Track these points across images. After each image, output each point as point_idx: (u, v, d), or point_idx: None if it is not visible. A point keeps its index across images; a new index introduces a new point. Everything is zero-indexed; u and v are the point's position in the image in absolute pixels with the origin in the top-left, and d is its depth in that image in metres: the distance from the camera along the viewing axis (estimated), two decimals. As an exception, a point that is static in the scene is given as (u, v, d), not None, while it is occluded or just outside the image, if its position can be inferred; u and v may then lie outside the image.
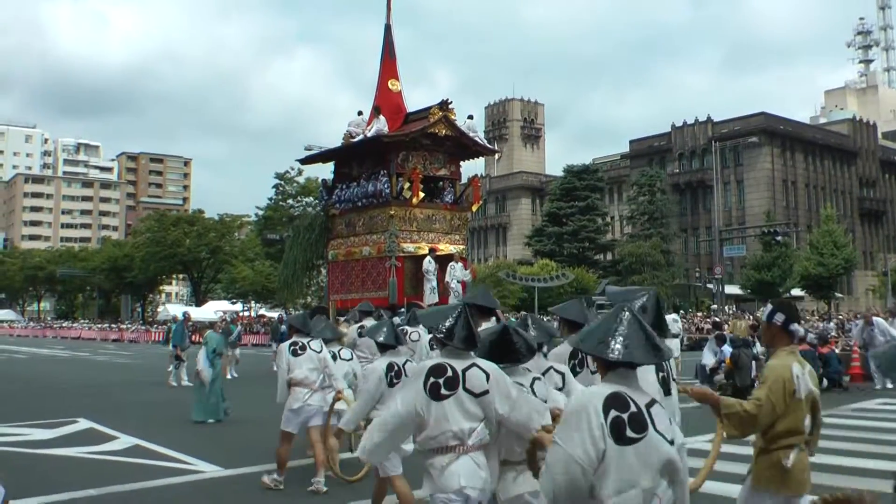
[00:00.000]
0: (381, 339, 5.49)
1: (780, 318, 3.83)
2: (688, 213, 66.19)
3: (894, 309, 25.18)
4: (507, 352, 3.77)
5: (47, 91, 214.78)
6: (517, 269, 51.04)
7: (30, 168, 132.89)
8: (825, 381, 15.29)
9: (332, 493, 7.10)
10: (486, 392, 3.54)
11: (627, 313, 2.64)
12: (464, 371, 3.57)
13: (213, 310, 54.22)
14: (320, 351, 7.34)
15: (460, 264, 21.60)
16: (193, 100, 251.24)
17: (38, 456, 9.27)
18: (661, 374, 3.55)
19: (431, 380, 3.57)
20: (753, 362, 14.46)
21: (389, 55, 24.04)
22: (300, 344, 7.34)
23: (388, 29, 24.43)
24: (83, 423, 11.86)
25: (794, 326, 3.84)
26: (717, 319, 25.95)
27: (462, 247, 22.65)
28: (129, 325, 60.44)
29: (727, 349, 15.12)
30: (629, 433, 2.46)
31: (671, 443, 2.54)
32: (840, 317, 33.04)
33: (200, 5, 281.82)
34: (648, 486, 2.48)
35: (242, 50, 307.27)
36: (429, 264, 20.46)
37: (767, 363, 3.94)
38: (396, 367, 5.18)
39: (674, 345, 18.91)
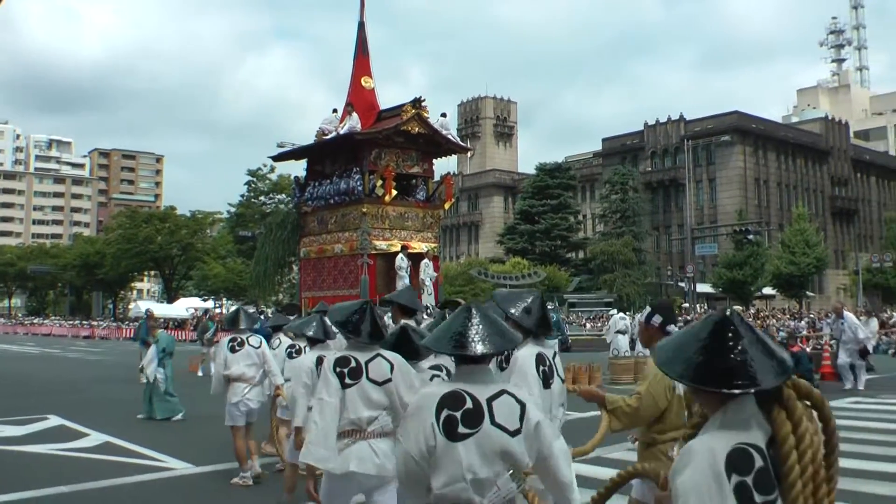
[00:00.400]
0: (310, 333, 5.65)
1: (657, 319, 4.05)
2: (660, 211, 66.57)
3: (870, 309, 25.87)
4: (407, 349, 4.05)
5: (19, 86, 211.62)
6: (489, 268, 51.31)
7: (1, 164, 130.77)
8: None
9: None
10: (389, 381, 3.80)
11: (474, 311, 2.77)
12: (367, 362, 3.82)
13: (184, 307, 53.91)
14: (258, 346, 7.37)
15: (432, 263, 21.90)
16: (167, 96, 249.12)
17: (7, 453, 9.18)
18: (542, 368, 3.63)
19: (337, 370, 3.81)
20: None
21: (363, 52, 24.10)
22: (238, 340, 7.37)
23: (361, 26, 24.47)
24: (54, 420, 11.79)
25: (671, 327, 4.01)
26: (689, 319, 26.44)
27: (434, 245, 22.82)
28: (100, 322, 59.91)
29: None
30: (461, 429, 2.59)
31: (513, 434, 2.61)
32: (811, 315, 33.67)
33: (175, 0, 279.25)
34: (485, 476, 2.59)
35: (217, 46, 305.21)
36: (401, 261, 20.64)
37: (648, 362, 4.23)
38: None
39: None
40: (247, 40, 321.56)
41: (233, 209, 61.49)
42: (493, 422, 2.60)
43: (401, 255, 20.83)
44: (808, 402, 1.76)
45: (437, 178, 24.45)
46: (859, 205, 73.46)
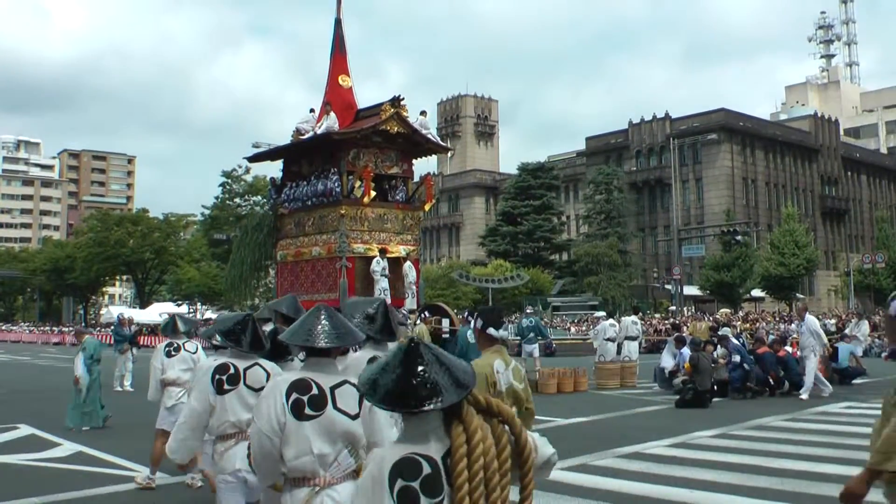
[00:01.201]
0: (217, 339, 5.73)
1: (479, 323, 4.46)
2: (645, 212, 65.92)
3: (861, 312, 25.36)
4: (280, 351, 4.61)
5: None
6: (470, 270, 50.67)
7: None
8: (786, 384, 15.06)
9: None
10: (264, 388, 3.95)
11: (322, 312, 3.20)
12: (245, 369, 4.19)
13: (157, 312, 52.96)
14: (195, 352, 7.71)
15: (414, 266, 21.20)
16: (138, 95, 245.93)
17: (-24, 464, 8.97)
18: None
19: (217, 377, 4.16)
20: (713, 365, 14.22)
21: (340, 50, 23.54)
22: (175, 345, 7.69)
23: (338, 23, 23.91)
24: (24, 430, 11.62)
25: (491, 330, 4.42)
26: (676, 321, 25.85)
27: (415, 247, 22.24)
28: (71, 328, 58.62)
29: (686, 352, 14.87)
30: (308, 411, 3.02)
31: (353, 417, 3.05)
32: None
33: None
34: (328, 452, 3.04)
35: (190, 44, 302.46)
36: (376, 265, 20.07)
37: (473, 362, 4.55)
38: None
39: (633, 347, 18.66)
40: (220, 37, 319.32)
41: (207, 211, 60.56)
42: (335, 407, 3.06)
43: (377, 258, 20.15)
44: (500, 418, 2.04)
45: (416, 178, 23.82)
46: (850, 204, 73.04)
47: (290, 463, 3.02)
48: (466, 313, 22.91)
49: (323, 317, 3.16)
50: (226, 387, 4.16)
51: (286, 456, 3.02)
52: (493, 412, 2.04)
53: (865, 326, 22.59)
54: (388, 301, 19.90)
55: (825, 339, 14.61)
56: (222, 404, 4.12)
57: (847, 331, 21.51)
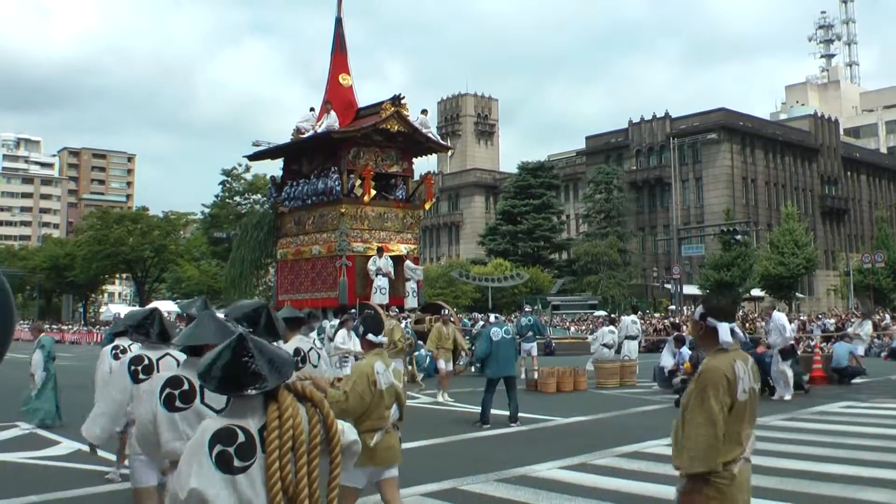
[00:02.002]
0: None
1: (360, 330, 4.89)
2: (645, 211, 65.72)
3: (867, 312, 25.31)
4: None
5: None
6: (470, 269, 50.66)
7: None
8: (785, 384, 15.01)
9: None
10: None
11: (207, 315, 3.66)
12: (158, 360, 4.57)
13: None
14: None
15: (414, 264, 21.19)
16: (139, 93, 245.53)
17: (-24, 462, 8.91)
18: None
19: (132, 367, 4.54)
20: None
21: (340, 49, 23.60)
22: (121, 348, 7.63)
23: (339, 22, 23.98)
24: (24, 427, 11.51)
25: (370, 336, 5.09)
26: (676, 320, 25.80)
27: (414, 246, 22.23)
28: (70, 326, 58.61)
29: (686, 351, 14.83)
30: (178, 404, 3.40)
31: (218, 412, 3.06)
32: (801, 318, 33.16)
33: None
34: None
35: (191, 42, 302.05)
36: (372, 264, 20.11)
37: (355, 364, 5.34)
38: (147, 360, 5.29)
39: (632, 347, 18.64)
40: (221, 36, 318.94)
41: (207, 210, 60.49)
42: (202, 401, 3.40)
43: (373, 257, 20.14)
44: (311, 402, 2.44)
45: (416, 177, 23.77)
46: (849, 204, 72.84)
47: (164, 447, 3.43)
48: (492, 316, 22.84)
49: (206, 320, 3.58)
50: (141, 376, 4.47)
51: (160, 440, 3.44)
52: (306, 397, 2.44)
53: (868, 326, 22.61)
54: (386, 300, 19.98)
55: (789, 334, 14.38)
56: (137, 392, 4.35)
57: (850, 330, 21.51)
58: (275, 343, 4.24)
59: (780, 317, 14.59)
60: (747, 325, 29.87)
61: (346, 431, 2.68)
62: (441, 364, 14.90)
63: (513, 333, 12.25)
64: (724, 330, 3.44)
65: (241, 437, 2.31)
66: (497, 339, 11.31)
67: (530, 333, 17.95)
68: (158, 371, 4.45)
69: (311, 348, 5.98)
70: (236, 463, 2.28)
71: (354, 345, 13.91)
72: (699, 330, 3.61)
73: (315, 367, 5.90)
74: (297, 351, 5.70)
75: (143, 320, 4.68)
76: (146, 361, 4.56)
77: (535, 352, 17.76)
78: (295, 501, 2.30)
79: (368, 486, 4.99)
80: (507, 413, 11.06)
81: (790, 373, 13.86)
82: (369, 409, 4.77)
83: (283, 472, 2.29)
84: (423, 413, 12.62)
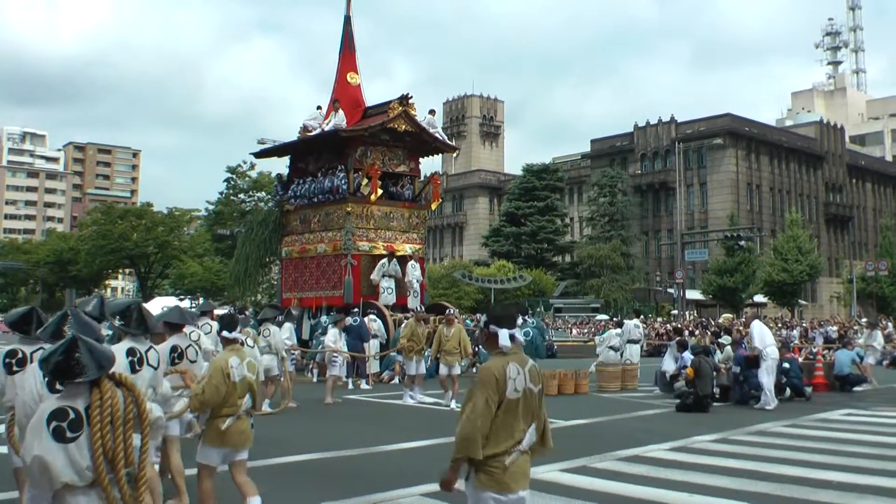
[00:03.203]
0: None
1: (217, 328, 5.11)
2: (649, 215, 65.57)
3: (875, 322, 25.22)
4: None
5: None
6: (473, 270, 50.65)
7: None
8: (787, 391, 15.02)
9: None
10: None
11: (70, 313, 4.41)
12: (32, 353, 4.95)
13: (160, 306, 52.88)
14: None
15: (419, 265, 21.21)
16: (145, 89, 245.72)
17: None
18: (131, 359, 5.09)
19: (6, 360, 5.09)
20: (714, 371, 14.16)
21: (349, 47, 23.59)
22: (20, 355, 7.80)
23: (347, 20, 23.99)
24: None
25: (225, 332, 5.80)
26: (678, 325, 25.77)
27: (420, 246, 22.23)
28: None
29: (688, 356, 14.82)
30: (16, 368, 4.72)
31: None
32: (804, 325, 33.15)
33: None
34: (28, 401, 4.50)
35: (198, 39, 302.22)
36: (377, 274, 20.15)
37: (213, 359, 5.88)
38: (21, 354, 5.54)
39: (634, 350, 18.64)
40: (229, 33, 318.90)
41: (211, 207, 60.49)
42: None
43: (382, 262, 20.19)
44: (126, 387, 3.13)
45: (422, 177, 23.75)
46: (854, 211, 72.72)
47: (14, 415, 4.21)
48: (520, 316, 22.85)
49: (75, 318, 4.22)
50: (14, 368, 5.03)
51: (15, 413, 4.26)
52: (123, 384, 3.11)
53: (879, 336, 22.55)
54: (393, 300, 19.97)
55: (758, 343, 14.15)
56: (11, 383, 4.96)
57: (861, 341, 21.42)
58: (146, 336, 5.42)
59: (756, 325, 14.32)
60: (746, 330, 29.76)
61: (154, 410, 4.08)
62: (411, 366, 14.10)
63: (532, 335, 12.35)
64: (503, 335, 3.89)
65: (72, 415, 2.99)
66: (523, 339, 11.39)
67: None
68: (32, 363, 4.88)
69: (189, 346, 6.50)
70: (68, 434, 2.96)
71: (346, 345, 13.98)
72: (484, 336, 4.05)
73: (193, 362, 6.39)
74: (174, 348, 6.23)
75: (21, 318, 5.24)
76: (20, 355, 5.07)
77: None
78: (113, 463, 3.00)
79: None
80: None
81: (765, 381, 13.62)
82: (224, 399, 5.39)
83: (103, 441, 2.97)
84: (424, 413, 12.66)
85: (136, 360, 5.12)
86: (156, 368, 5.36)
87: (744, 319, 32.56)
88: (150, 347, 5.37)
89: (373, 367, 17.28)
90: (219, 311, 12.71)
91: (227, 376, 5.41)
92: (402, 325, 17.63)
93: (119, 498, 3.01)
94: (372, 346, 17.20)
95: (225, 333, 5.80)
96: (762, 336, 13.94)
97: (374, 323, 17.48)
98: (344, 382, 15.30)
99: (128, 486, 3.04)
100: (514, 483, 3.73)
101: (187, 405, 5.70)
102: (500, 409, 3.69)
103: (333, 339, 13.87)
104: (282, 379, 12.07)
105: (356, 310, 17.57)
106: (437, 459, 8.73)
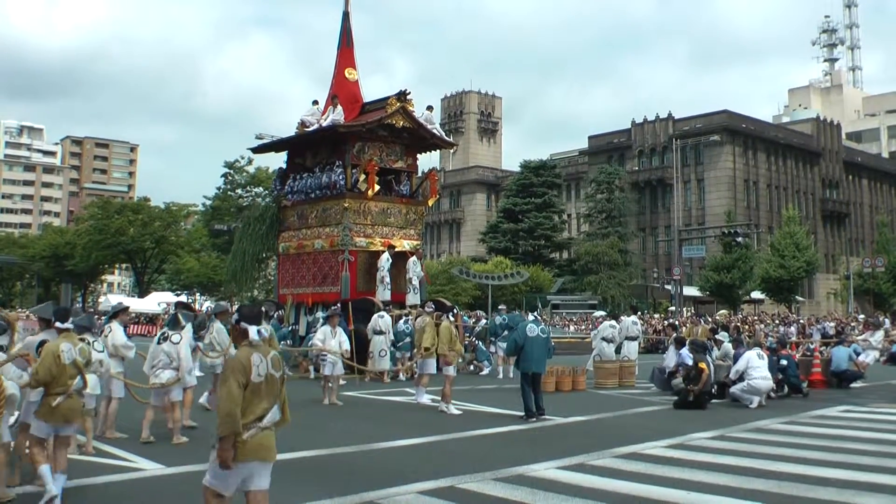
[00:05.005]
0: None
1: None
2: (647, 211, 65.67)
3: (878, 322, 25.23)
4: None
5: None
6: (471, 266, 50.56)
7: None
8: (784, 387, 15.04)
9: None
10: None
11: None
12: None
13: (156, 301, 52.89)
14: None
15: (419, 262, 21.18)
16: (143, 83, 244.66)
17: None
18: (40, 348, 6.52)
19: None
20: (712, 367, 14.16)
21: (347, 43, 23.53)
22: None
23: (346, 16, 23.95)
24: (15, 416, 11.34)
25: (58, 324, 6.65)
26: (676, 322, 25.80)
27: (417, 242, 22.19)
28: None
29: (685, 353, 14.82)
30: None
31: None
32: (801, 321, 33.23)
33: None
34: None
35: (197, 32, 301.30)
36: (384, 269, 20.06)
37: (47, 344, 6.56)
38: None
39: (632, 347, 18.66)
40: (228, 28, 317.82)
41: (208, 202, 60.37)
42: None
43: (385, 254, 20.13)
44: None
45: (420, 173, 23.70)
46: (851, 208, 72.85)
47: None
48: (526, 308, 22.75)
49: None
50: None
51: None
52: None
53: (879, 334, 22.58)
54: (388, 295, 19.89)
55: (752, 374, 13.96)
56: None
57: (871, 338, 21.42)
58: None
59: (747, 357, 13.78)
60: (746, 327, 29.86)
61: (9, 387, 5.88)
62: (429, 365, 13.40)
63: (548, 333, 12.27)
64: (252, 331, 4.67)
65: None
66: (532, 335, 11.51)
67: (505, 332, 17.94)
68: None
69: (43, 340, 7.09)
70: None
71: (341, 344, 13.56)
72: (236, 331, 4.79)
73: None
74: (42, 342, 6.88)
75: None
76: None
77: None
78: None
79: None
80: (507, 411, 11.10)
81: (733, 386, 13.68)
82: (55, 379, 6.23)
83: None
84: (423, 410, 12.64)
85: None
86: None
87: (738, 321, 32.54)
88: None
89: (386, 363, 17.19)
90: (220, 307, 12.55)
91: (57, 359, 6.27)
92: (416, 322, 17.43)
93: None
94: (377, 343, 17.13)
95: (58, 324, 6.62)
96: (743, 369, 13.56)
97: (381, 319, 17.38)
98: (342, 380, 15.03)
99: None
100: (251, 454, 4.46)
101: (27, 382, 6.44)
102: (246, 391, 4.45)
103: (322, 337, 13.44)
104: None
105: (336, 307, 17.37)
106: (435, 457, 8.74)
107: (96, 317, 12.78)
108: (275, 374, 4.62)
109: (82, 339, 7.08)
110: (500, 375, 18.71)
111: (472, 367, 20.22)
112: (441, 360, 12.88)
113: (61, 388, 6.26)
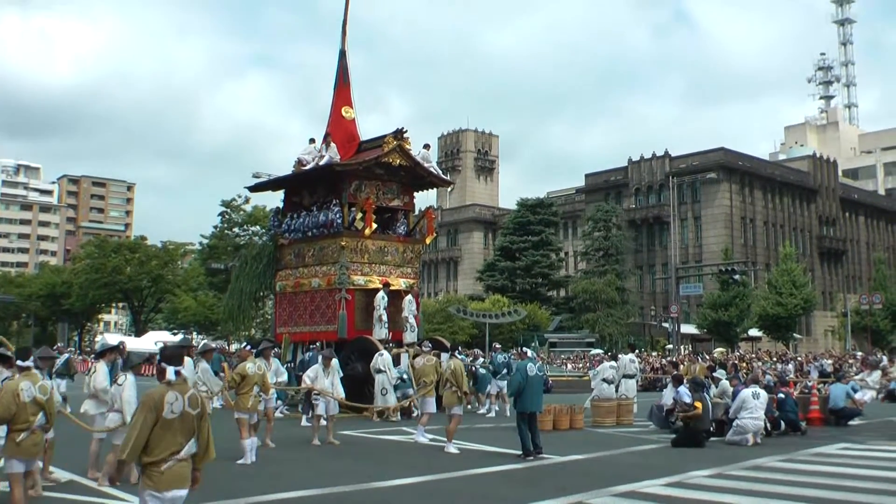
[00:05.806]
0: None
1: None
2: (644, 249, 65.69)
3: (875, 360, 25.22)
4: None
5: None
6: (468, 305, 50.61)
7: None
8: (782, 424, 14.96)
9: None
10: None
11: None
12: None
13: (153, 340, 52.56)
14: None
15: (415, 300, 21.13)
16: (140, 122, 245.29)
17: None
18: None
19: None
20: (710, 405, 14.08)
21: (343, 82, 23.69)
22: None
23: (342, 55, 24.13)
24: None
25: (20, 362, 7.03)
26: (674, 360, 25.76)
27: (414, 280, 22.17)
28: (65, 355, 58.02)
29: (683, 390, 14.75)
30: None
31: None
32: (799, 358, 33.17)
33: (153, 25, 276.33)
34: None
35: (194, 71, 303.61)
36: (381, 308, 20.00)
37: (7, 382, 6.97)
38: None
39: (630, 385, 18.55)
40: (225, 66, 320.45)
41: (205, 241, 60.42)
42: None
43: (381, 293, 20.10)
44: None
45: (417, 211, 23.79)
46: (847, 245, 72.97)
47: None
48: (521, 348, 22.68)
49: None
50: None
51: None
52: None
53: (876, 374, 22.57)
54: (385, 333, 19.81)
55: (745, 414, 13.89)
56: None
57: (868, 378, 21.39)
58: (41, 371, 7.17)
59: (742, 397, 13.70)
60: (744, 364, 29.75)
61: None
62: (430, 404, 13.70)
63: (544, 370, 12.39)
64: (170, 371, 4.97)
65: None
66: (532, 374, 11.63)
67: (505, 371, 17.92)
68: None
69: (7, 378, 7.52)
70: None
71: (333, 385, 13.39)
72: (158, 370, 5.04)
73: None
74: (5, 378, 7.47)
75: None
76: None
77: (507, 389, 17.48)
78: None
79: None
80: (505, 450, 11.03)
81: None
82: (16, 416, 6.47)
83: None
84: (421, 449, 12.55)
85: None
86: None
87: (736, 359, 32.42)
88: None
89: (391, 400, 17.02)
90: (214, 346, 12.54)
91: (16, 397, 6.50)
92: (415, 361, 17.27)
93: None
94: (381, 380, 17.01)
95: (19, 362, 7.01)
96: (740, 409, 13.58)
97: (381, 358, 17.31)
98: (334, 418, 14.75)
99: None
100: (170, 484, 4.74)
101: None
102: (156, 427, 4.72)
103: (314, 375, 13.22)
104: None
105: (315, 345, 17.17)
106: (436, 496, 8.68)
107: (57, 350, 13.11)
108: (191, 412, 4.88)
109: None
110: (492, 413, 18.55)
111: (469, 406, 20.04)
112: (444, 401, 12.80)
113: (22, 424, 6.51)
